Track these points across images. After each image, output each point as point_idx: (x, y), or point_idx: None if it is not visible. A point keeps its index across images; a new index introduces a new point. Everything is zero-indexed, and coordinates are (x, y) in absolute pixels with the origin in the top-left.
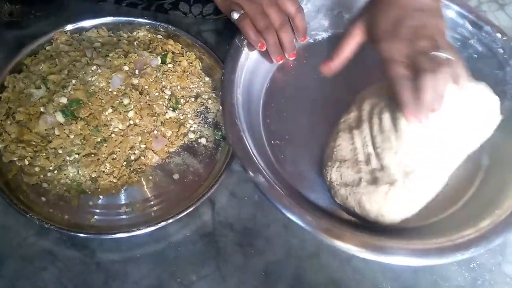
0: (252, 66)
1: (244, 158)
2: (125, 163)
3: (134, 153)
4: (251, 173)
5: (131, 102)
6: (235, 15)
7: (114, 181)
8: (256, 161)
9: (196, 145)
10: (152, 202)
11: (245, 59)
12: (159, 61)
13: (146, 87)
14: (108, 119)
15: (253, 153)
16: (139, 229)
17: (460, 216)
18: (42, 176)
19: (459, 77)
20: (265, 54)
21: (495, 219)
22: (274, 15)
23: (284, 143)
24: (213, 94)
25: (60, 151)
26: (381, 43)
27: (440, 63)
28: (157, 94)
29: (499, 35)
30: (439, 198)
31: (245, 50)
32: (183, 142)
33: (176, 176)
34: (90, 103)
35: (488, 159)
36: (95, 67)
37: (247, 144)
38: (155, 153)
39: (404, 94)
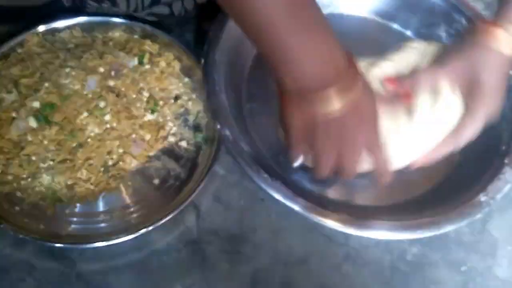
0: None
1: (215, 111)
2: (102, 168)
3: (112, 158)
4: (218, 125)
5: (107, 105)
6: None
7: (92, 188)
8: (227, 116)
9: (176, 149)
10: (132, 209)
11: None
12: (136, 62)
13: (123, 89)
14: (84, 123)
15: (228, 109)
16: (119, 237)
17: (426, 199)
18: (15, 184)
19: None
20: None
21: (452, 207)
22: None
23: (261, 106)
24: (193, 96)
25: (33, 158)
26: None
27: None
28: (134, 96)
29: None
30: (410, 182)
31: None
32: (163, 145)
33: (156, 181)
34: (64, 107)
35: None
36: (69, 69)
37: (222, 99)
38: (133, 158)
39: None
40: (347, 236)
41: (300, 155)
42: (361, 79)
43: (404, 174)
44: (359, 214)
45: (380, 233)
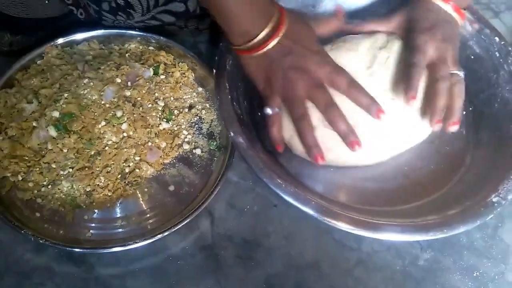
0: None
1: (228, 119)
2: (119, 176)
3: (129, 166)
4: (231, 133)
5: (124, 114)
6: (268, 111)
7: (109, 194)
8: (239, 123)
9: (191, 156)
10: (148, 215)
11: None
12: (152, 73)
13: (139, 99)
14: (102, 132)
15: (241, 117)
16: (136, 243)
17: (437, 202)
18: (36, 191)
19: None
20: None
21: (464, 208)
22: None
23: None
24: (207, 104)
25: (53, 166)
26: (420, 34)
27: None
28: (150, 105)
29: (497, 38)
30: (420, 186)
31: None
32: (177, 153)
33: (171, 188)
34: (82, 116)
35: (470, 158)
36: (87, 80)
37: (234, 107)
38: (149, 165)
39: (415, 80)
40: (359, 241)
41: (276, 99)
42: (287, 17)
43: (415, 177)
44: (371, 217)
45: (392, 235)
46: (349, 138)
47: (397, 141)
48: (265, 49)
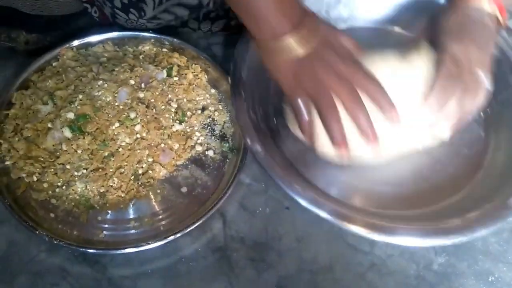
0: None
1: (244, 127)
2: (132, 177)
3: (142, 167)
4: (248, 141)
5: (137, 115)
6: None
7: (122, 195)
8: (255, 130)
9: (203, 158)
10: (160, 216)
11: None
12: (165, 74)
13: (152, 100)
14: (115, 133)
15: (257, 124)
16: (148, 244)
17: (456, 206)
18: (50, 192)
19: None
20: None
21: (483, 211)
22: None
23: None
24: (220, 106)
25: (68, 167)
26: (447, 38)
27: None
28: (163, 107)
29: None
30: (438, 189)
31: None
32: (190, 154)
33: (184, 189)
34: (97, 118)
35: (488, 160)
36: (101, 81)
37: (250, 115)
38: (162, 167)
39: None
40: (372, 244)
41: (301, 101)
42: (321, 26)
43: (433, 180)
44: (389, 221)
45: (412, 240)
46: (367, 132)
47: (413, 140)
48: (296, 50)
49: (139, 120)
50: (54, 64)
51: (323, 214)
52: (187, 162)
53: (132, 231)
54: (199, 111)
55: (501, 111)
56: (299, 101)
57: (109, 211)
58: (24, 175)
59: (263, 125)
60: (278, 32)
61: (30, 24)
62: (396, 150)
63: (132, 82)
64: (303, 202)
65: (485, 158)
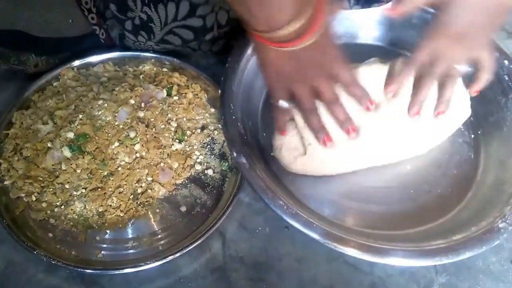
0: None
1: (231, 139)
2: (132, 196)
3: (141, 186)
4: (234, 153)
5: (137, 135)
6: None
7: (121, 215)
8: (242, 143)
9: (203, 177)
10: (159, 236)
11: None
12: (165, 94)
13: (152, 119)
14: (115, 152)
15: (245, 137)
16: (147, 264)
17: (443, 227)
18: (49, 211)
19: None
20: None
21: (469, 234)
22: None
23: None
24: (219, 125)
25: (67, 186)
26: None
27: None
28: (163, 126)
29: (506, 62)
30: (428, 210)
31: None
32: (190, 173)
33: (183, 209)
34: (96, 137)
35: (477, 182)
36: (101, 101)
37: (239, 127)
38: (162, 186)
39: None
40: (372, 264)
41: (282, 93)
42: (323, 26)
43: (421, 201)
44: (375, 241)
45: (396, 260)
46: (346, 125)
47: (399, 145)
48: (296, 47)
49: (138, 140)
50: (54, 84)
51: (306, 230)
52: (186, 181)
53: (131, 251)
54: (199, 130)
55: (491, 132)
56: (285, 103)
57: (108, 231)
58: (23, 195)
59: (251, 138)
60: (276, 21)
61: (39, 47)
62: (383, 155)
63: (132, 101)
64: (287, 218)
65: (474, 180)
